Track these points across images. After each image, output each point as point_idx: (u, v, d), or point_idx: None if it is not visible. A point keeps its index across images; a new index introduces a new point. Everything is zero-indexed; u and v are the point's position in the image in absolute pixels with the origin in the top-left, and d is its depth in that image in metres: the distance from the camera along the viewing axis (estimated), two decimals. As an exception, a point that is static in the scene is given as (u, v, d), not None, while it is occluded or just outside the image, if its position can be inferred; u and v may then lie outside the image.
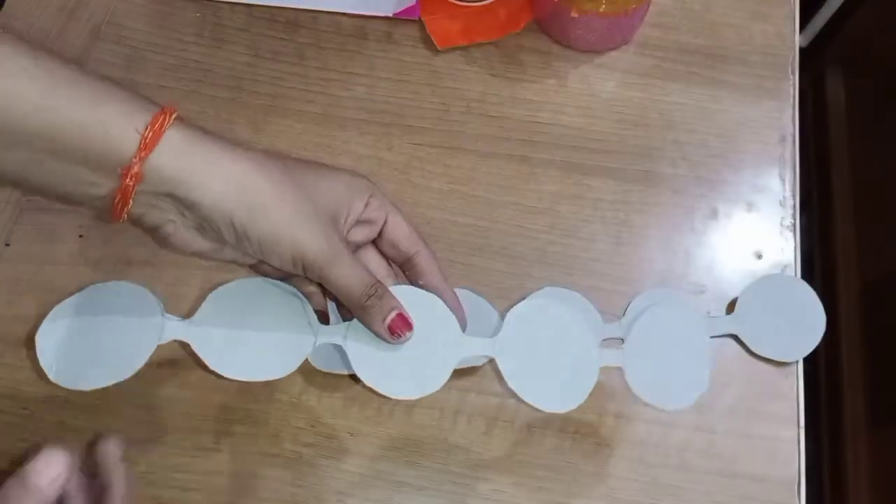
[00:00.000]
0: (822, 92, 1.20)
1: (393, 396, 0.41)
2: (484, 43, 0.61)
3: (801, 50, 0.66)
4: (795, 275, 0.54)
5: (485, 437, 0.50)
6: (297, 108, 0.59)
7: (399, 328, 0.39)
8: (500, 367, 0.42)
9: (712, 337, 0.52)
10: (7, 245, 0.56)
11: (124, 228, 0.55)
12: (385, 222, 0.42)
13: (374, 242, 0.43)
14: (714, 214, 0.56)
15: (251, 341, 0.42)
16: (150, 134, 0.33)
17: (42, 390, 0.51)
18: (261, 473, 0.49)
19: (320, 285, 0.41)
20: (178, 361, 0.52)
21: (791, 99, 0.60)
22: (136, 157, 0.33)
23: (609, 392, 0.51)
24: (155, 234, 0.38)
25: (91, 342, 0.42)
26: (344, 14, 0.63)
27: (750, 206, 0.57)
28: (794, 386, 0.52)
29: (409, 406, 0.51)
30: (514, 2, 0.62)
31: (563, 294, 0.52)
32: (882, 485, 0.93)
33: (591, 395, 0.51)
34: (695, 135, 0.59)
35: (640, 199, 0.57)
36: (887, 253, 1.01)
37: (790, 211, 0.56)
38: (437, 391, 0.47)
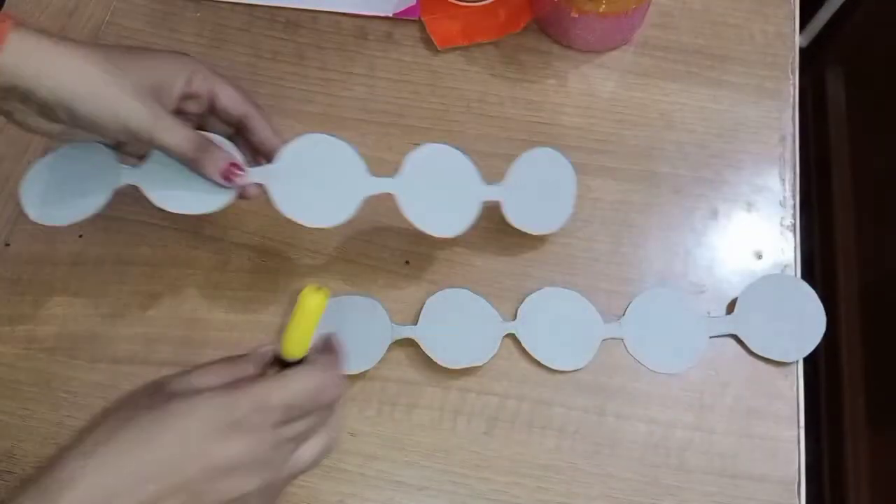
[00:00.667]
0: (822, 92, 1.20)
1: (312, 225, 0.47)
2: (484, 43, 0.61)
3: (801, 50, 0.66)
4: (795, 275, 0.54)
5: (485, 437, 0.50)
6: (297, 108, 0.59)
7: (230, 174, 0.44)
8: (399, 201, 0.48)
9: (712, 337, 0.52)
10: (7, 245, 0.56)
11: (124, 228, 0.55)
12: (214, 94, 0.46)
13: (213, 113, 0.47)
14: (714, 214, 0.56)
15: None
16: None
17: (42, 390, 0.51)
18: (261, 473, 0.49)
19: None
20: (178, 362, 0.52)
21: (791, 99, 0.60)
22: None
23: (609, 392, 0.51)
24: (8, 117, 0.43)
25: (63, 188, 0.47)
26: (344, 14, 0.63)
27: (750, 206, 0.57)
28: (794, 386, 0.52)
29: (410, 406, 0.51)
30: (514, 2, 0.62)
31: (562, 294, 0.53)
32: (882, 485, 0.93)
33: (591, 395, 0.51)
34: (695, 135, 0.59)
35: (640, 199, 0.57)
36: (887, 253, 1.01)
37: (790, 211, 0.56)
38: (437, 390, 0.50)
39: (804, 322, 0.52)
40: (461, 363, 0.51)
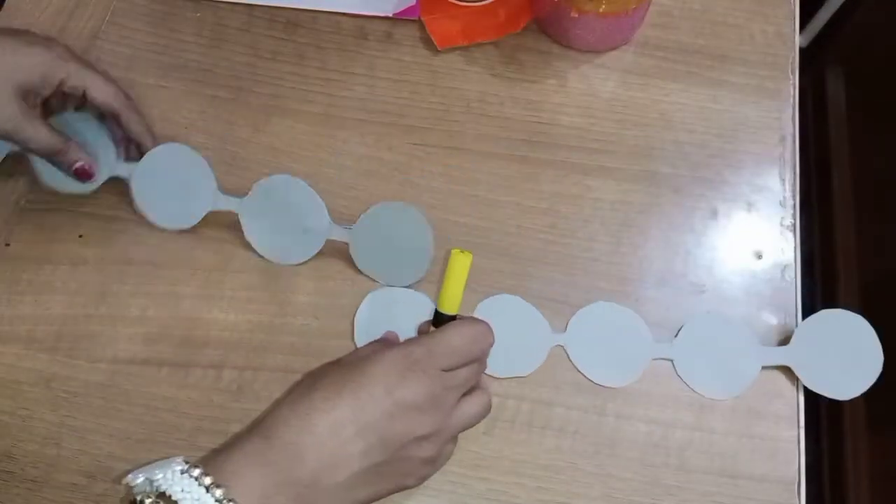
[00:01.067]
0: (822, 92, 1.20)
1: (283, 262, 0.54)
2: (484, 43, 0.61)
3: (801, 50, 0.66)
4: (795, 275, 0.54)
5: (485, 437, 0.50)
6: (297, 108, 0.59)
7: (82, 173, 0.51)
8: (352, 251, 0.53)
9: (764, 367, 0.51)
10: (7, 245, 0.56)
11: (124, 229, 0.55)
12: (86, 90, 0.49)
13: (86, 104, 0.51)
14: (714, 214, 0.56)
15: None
16: None
17: (42, 390, 0.51)
18: (261, 473, 0.49)
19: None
20: (178, 362, 0.52)
21: (791, 99, 0.60)
22: None
23: (609, 392, 0.51)
24: None
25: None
26: (344, 14, 0.63)
27: (750, 206, 0.57)
28: (794, 386, 0.52)
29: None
30: (514, 2, 0.62)
31: (615, 309, 0.53)
32: (882, 485, 0.93)
33: (591, 395, 0.51)
34: (695, 135, 0.59)
35: (640, 199, 0.57)
36: (887, 253, 1.01)
37: (790, 211, 0.56)
38: None
39: (860, 359, 0.51)
40: (508, 373, 0.51)
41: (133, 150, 0.55)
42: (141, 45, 0.62)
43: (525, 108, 0.59)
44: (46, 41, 0.48)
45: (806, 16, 1.17)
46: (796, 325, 0.53)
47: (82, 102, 0.51)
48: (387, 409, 0.39)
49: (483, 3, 0.62)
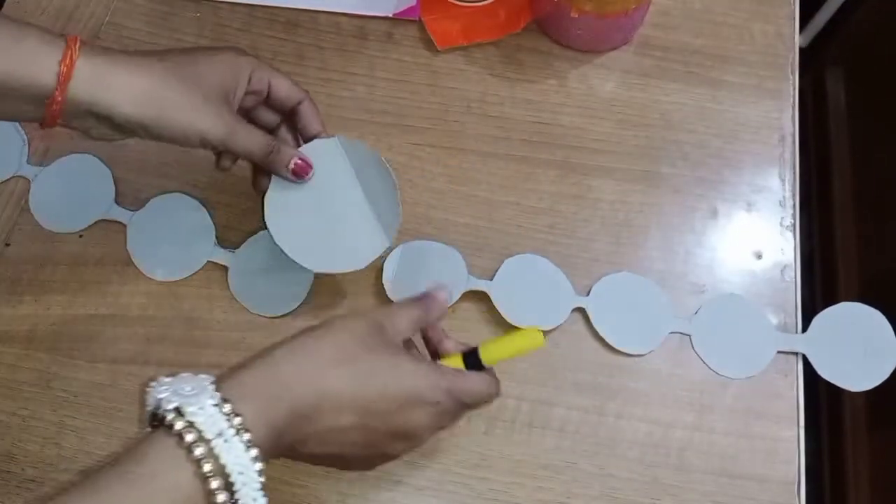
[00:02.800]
0: (822, 92, 1.20)
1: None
2: (484, 43, 0.61)
3: (801, 50, 0.66)
4: (795, 275, 0.54)
5: (485, 437, 0.50)
6: (297, 108, 0.59)
7: (301, 170, 0.48)
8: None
9: (779, 352, 0.52)
10: (7, 245, 0.56)
11: (124, 228, 0.55)
12: (271, 87, 0.48)
13: (265, 102, 0.50)
14: (714, 214, 0.56)
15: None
16: (64, 69, 0.40)
17: (42, 390, 0.51)
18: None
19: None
20: (178, 362, 0.52)
21: (791, 99, 0.60)
22: (56, 92, 0.41)
23: (609, 392, 0.51)
24: (85, 133, 0.44)
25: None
26: (344, 14, 0.63)
27: (750, 206, 0.57)
28: (794, 386, 0.52)
29: (409, 406, 0.51)
30: (514, 2, 0.62)
31: (638, 280, 0.54)
32: (882, 485, 0.93)
33: (591, 395, 0.51)
34: (695, 135, 0.59)
35: (640, 199, 0.57)
36: (887, 253, 1.01)
37: (790, 211, 0.56)
38: None
39: (875, 353, 0.51)
40: (529, 323, 0.51)
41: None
42: (141, 45, 0.62)
43: (525, 108, 0.59)
44: (233, 47, 0.48)
45: (806, 16, 1.17)
46: (796, 326, 0.53)
47: (264, 101, 0.50)
48: (386, 425, 0.39)
49: (483, 3, 0.62)
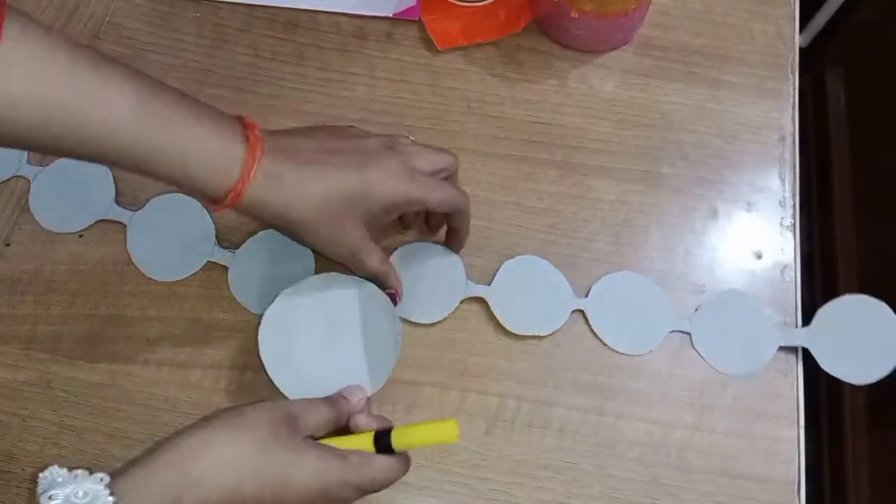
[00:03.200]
0: (822, 92, 1.20)
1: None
2: (484, 43, 0.61)
3: (801, 50, 0.66)
4: (795, 275, 0.54)
5: (485, 437, 0.50)
6: (297, 108, 0.59)
7: (393, 298, 0.49)
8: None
9: (781, 347, 0.51)
10: (7, 245, 0.56)
11: (124, 229, 0.55)
12: (425, 206, 0.48)
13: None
14: (714, 214, 0.56)
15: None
16: (246, 171, 0.41)
17: (42, 390, 0.51)
18: (261, 473, 0.49)
19: None
20: (178, 362, 0.52)
21: (791, 99, 0.60)
22: (235, 189, 0.41)
23: (609, 392, 0.51)
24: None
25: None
26: (344, 14, 0.63)
27: (750, 206, 0.57)
28: (794, 386, 0.52)
29: (410, 406, 0.51)
30: (514, 2, 0.62)
31: (636, 279, 0.53)
32: (882, 485, 0.93)
33: (591, 395, 0.51)
34: (695, 135, 0.59)
35: (640, 199, 0.57)
36: (887, 253, 1.01)
37: (790, 211, 0.56)
38: (437, 390, 0.50)
39: (879, 345, 0.51)
40: (528, 330, 0.52)
41: None
42: (141, 45, 0.62)
43: (525, 108, 0.59)
44: (395, 170, 0.46)
45: (806, 16, 1.17)
46: (796, 324, 0.53)
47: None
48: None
49: (483, 3, 0.62)
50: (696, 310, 0.53)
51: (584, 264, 0.54)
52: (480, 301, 0.53)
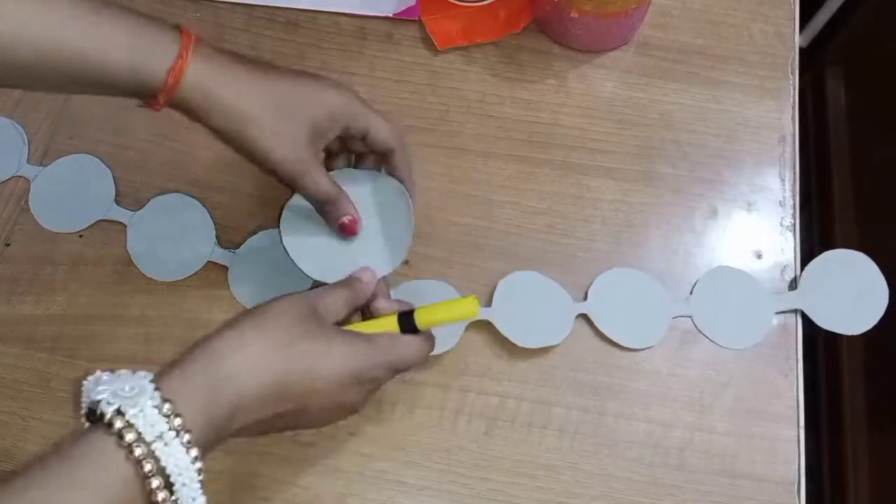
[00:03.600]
0: (822, 92, 1.20)
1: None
2: (484, 43, 0.61)
3: (801, 50, 0.66)
4: (795, 275, 0.54)
5: (485, 437, 0.50)
6: (297, 108, 0.59)
7: (347, 229, 0.48)
8: None
9: (778, 313, 0.53)
10: (7, 245, 0.56)
11: (124, 229, 0.55)
12: (367, 131, 0.48)
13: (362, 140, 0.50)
14: (714, 214, 0.56)
15: None
16: (171, 80, 0.41)
17: (42, 390, 0.51)
18: (261, 473, 0.49)
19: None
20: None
21: (791, 99, 0.60)
22: (160, 96, 0.42)
23: (609, 392, 0.51)
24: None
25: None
26: (344, 14, 0.63)
27: (750, 206, 0.57)
28: (794, 386, 0.52)
29: (410, 406, 0.51)
30: (514, 2, 0.62)
31: (630, 274, 0.54)
32: (882, 485, 0.93)
33: (591, 395, 0.51)
34: (695, 135, 0.59)
35: (640, 199, 0.57)
36: (887, 253, 1.01)
37: (790, 211, 0.56)
38: (437, 390, 0.51)
39: (867, 296, 0.53)
40: (537, 343, 0.52)
41: None
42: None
43: (525, 108, 0.59)
44: (337, 84, 0.48)
45: (806, 16, 1.17)
46: (796, 326, 0.53)
47: (360, 139, 0.50)
48: (331, 405, 0.42)
49: (483, 3, 0.62)
50: (691, 291, 0.53)
51: (583, 264, 0.54)
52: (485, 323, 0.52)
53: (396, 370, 0.44)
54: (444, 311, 0.45)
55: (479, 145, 0.58)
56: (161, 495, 0.33)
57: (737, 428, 0.50)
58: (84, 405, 0.35)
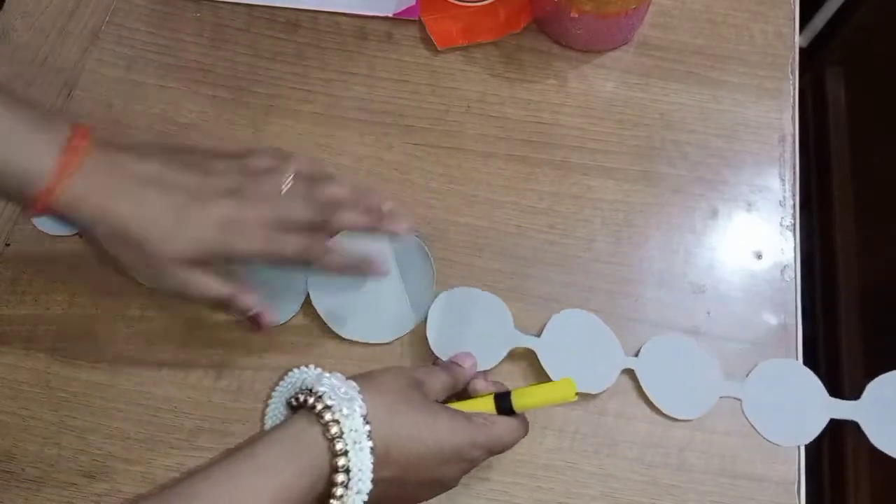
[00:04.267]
0: (822, 92, 1.20)
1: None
2: (484, 43, 0.61)
3: (801, 50, 0.66)
4: (795, 275, 0.54)
5: (485, 437, 0.50)
6: (297, 108, 0.59)
7: (254, 322, 0.47)
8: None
9: (833, 419, 0.50)
10: (7, 245, 0.56)
11: (124, 228, 0.55)
12: None
13: None
14: (714, 214, 0.56)
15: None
16: (53, 186, 0.39)
17: (42, 390, 0.51)
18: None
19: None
20: (178, 362, 0.52)
21: (791, 99, 0.60)
22: (38, 204, 0.39)
23: (609, 392, 0.51)
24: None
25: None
26: (344, 14, 0.63)
27: (750, 206, 0.57)
28: (794, 386, 0.52)
29: (409, 406, 0.51)
30: (514, 2, 0.62)
31: (685, 343, 0.52)
32: (882, 485, 0.93)
33: (593, 395, 0.51)
34: (695, 135, 0.59)
35: (640, 199, 0.57)
36: (887, 253, 1.01)
37: (790, 211, 0.56)
38: None
39: None
40: (578, 388, 0.50)
41: None
42: (141, 45, 0.62)
43: (525, 108, 0.59)
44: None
45: (806, 16, 1.17)
46: (796, 326, 0.53)
47: None
48: (428, 481, 0.42)
49: (483, 3, 0.62)
50: (747, 375, 0.51)
51: (583, 264, 0.54)
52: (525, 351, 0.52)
53: (492, 451, 0.44)
54: (541, 394, 0.45)
55: (479, 145, 0.58)
56: (340, 491, 0.37)
57: (737, 428, 0.50)
58: (294, 389, 0.41)
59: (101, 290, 0.54)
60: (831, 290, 1.07)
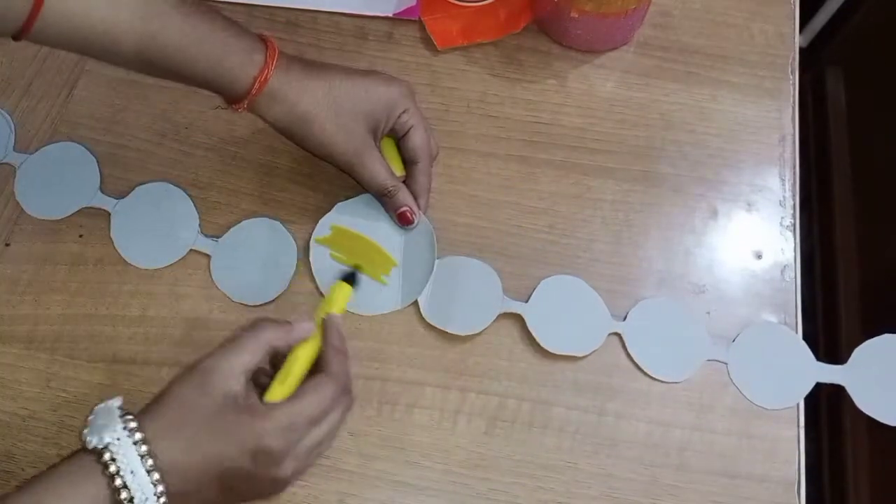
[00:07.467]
0: (822, 92, 1.20)
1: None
2: (484, 43, 0.61)
3: (801, 50, 0.66)
4: (795, 275, 0.54)
5: (485, 437, 0.50)
6: (297, 108, 0.59)
7: (404, 221, 0.53)
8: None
9: (819, 383, 0.51)
10: (7, 245, 0.56)
11: (124, 228, 0.55)
12: (406, 134, 0.52)
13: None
14: (714, 214, 0.56)
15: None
16: (255, 90, 0.48)
17: (42, 390, 0.51)
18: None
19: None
20: (178, 361, 0.52)
21: (791, 99, 0.60)
22: (243, 102, 0.48)
23: (609, 392, 0.51)
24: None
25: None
26: (344, 14, 0.63)
27: (750, 206, 0.57)
28: (794, 386, 0.52)
29: (410, 406, 0.51)
30: (514, 2, 0.62)
31: (674, 307, 0.53)
32: (882, 485, 0.93)
33: (591, 395, 0.51)
34: (695, 135, 0.59)
35: (640, 199, 0.57)
36: (887, 253, 1.01)
37: (790, 211, 0.56)
38: (437, 390, 0.51)
39: None
40: (563, 350, 0.51)
41: None
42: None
43: (525, 108, 0.59)
44: (390, 79, 0.52)
45: (806, 16, 1.17)
46: (796, 326, 0.53)
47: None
48: (260, 481, 0.40)
49: (483, 3, 0.62)
50: (733, 339, 0.52)
51: (584, 264, 0.54)
52: (513, 316, 0.53)
53: (312, 418, 0.41)
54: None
55: (479, 145, 0.58)
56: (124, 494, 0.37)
57: (737, 428, 0.50)
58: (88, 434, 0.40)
59: (101, 290, 0.54)
60: (831, 290, 1.07)
